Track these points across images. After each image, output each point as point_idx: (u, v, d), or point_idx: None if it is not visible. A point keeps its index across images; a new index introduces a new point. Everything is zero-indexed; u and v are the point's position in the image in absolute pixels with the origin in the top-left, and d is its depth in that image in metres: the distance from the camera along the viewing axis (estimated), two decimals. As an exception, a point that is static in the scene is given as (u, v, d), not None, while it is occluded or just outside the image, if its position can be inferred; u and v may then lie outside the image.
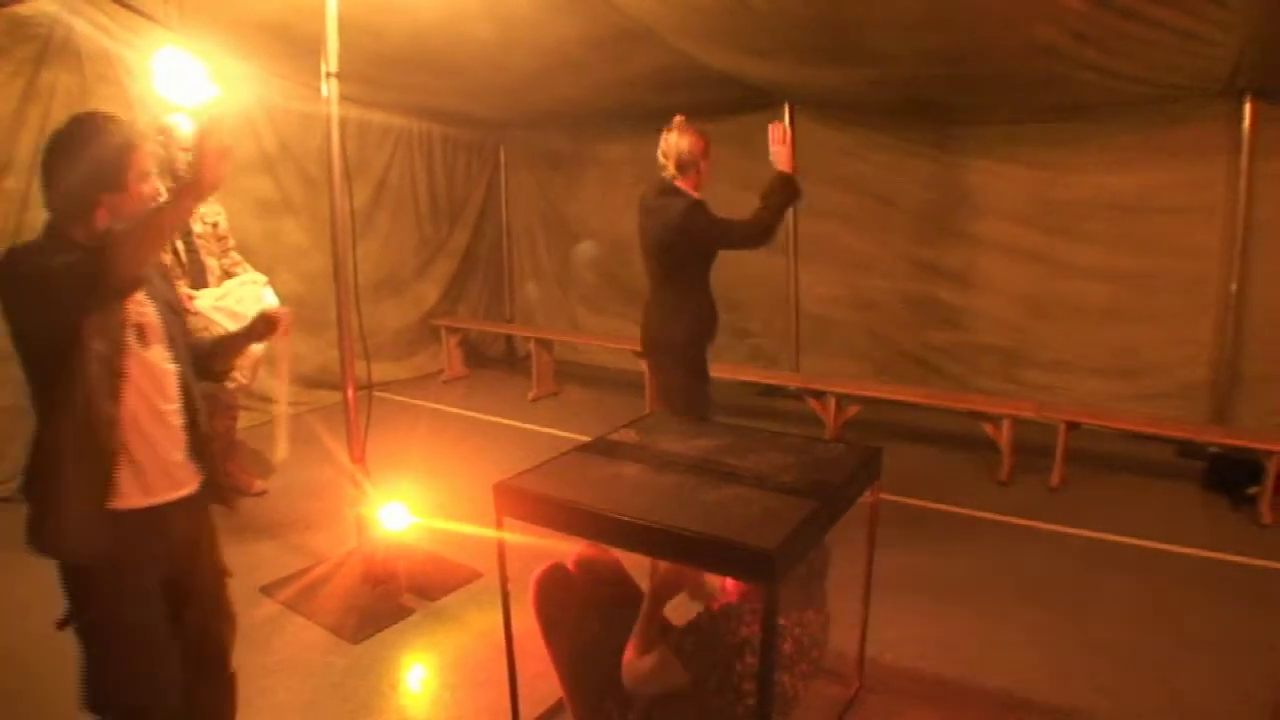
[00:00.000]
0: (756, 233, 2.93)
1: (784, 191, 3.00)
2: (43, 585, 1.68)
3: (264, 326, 2.00)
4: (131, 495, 1.65)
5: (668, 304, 3.10)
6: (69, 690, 1.66)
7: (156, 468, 1.70)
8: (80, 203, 1.62)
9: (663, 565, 2.03)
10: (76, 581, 1.66)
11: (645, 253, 3.14)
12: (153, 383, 1.70)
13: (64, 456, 1.57)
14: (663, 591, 1.95)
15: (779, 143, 3.04)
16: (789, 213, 3.23)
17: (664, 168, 3.03)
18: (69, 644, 1.66)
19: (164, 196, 3.53)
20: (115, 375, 1.62)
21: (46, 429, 1.60)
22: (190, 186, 1.56)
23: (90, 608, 1.65)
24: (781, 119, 5.55)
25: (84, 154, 1.61)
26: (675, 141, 2.98)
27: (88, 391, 1.57)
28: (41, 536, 1.61)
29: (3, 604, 2.90)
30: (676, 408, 2.99)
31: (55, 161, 1.62)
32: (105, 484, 1.61)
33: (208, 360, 1.97)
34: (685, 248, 2.99)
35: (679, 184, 3.01)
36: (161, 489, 1.71)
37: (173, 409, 1.74)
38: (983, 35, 3.57)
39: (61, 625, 1.67)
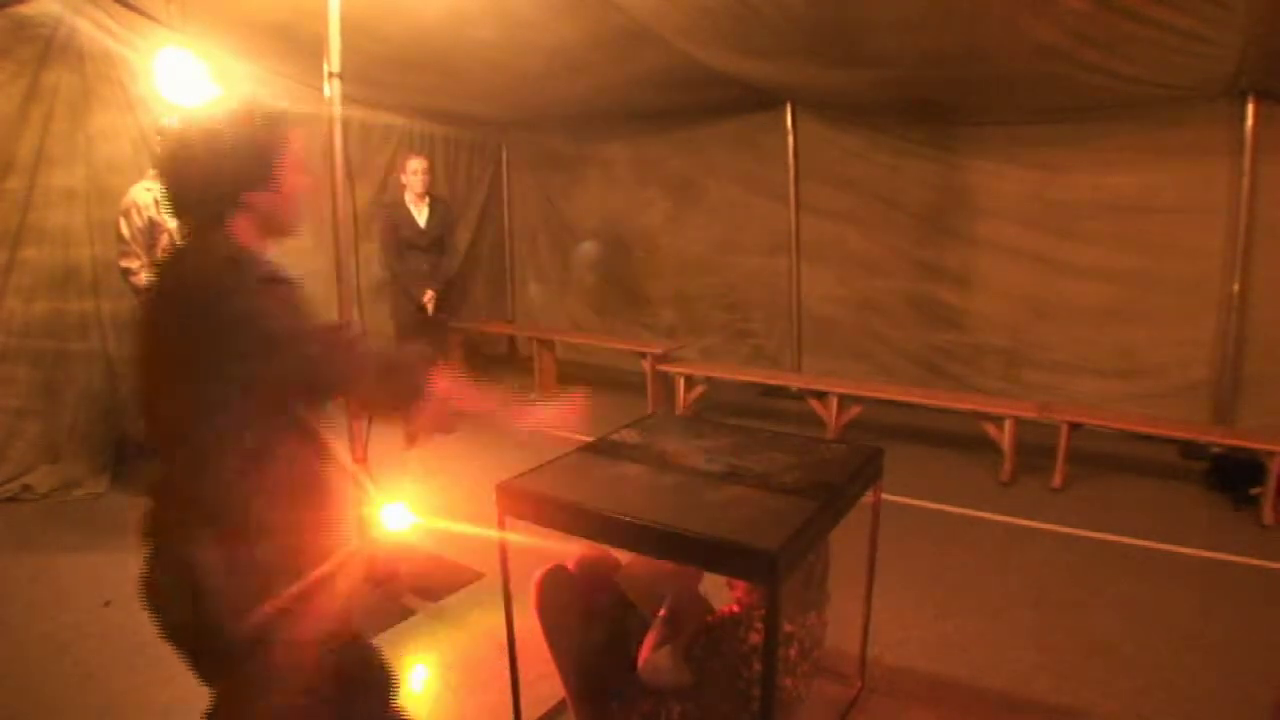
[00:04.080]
0: None
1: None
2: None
3: None
4: None
5: None
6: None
7: None
8: (218, 205, 1.39)
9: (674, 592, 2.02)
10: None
11: None
12: None
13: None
14: (677, 620, 1.94)
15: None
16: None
17: None
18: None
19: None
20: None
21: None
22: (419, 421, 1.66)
23: None
24: (784, 119, 5.57)
25: (221, 146, 1.37)
26: None
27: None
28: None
29: (12, 604, 2.89)
30: None
31: (189, 155, 1.37)
32: None
33: None
34: None
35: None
36: None
37: None
38: (985, 37, 3.57)
39: None
